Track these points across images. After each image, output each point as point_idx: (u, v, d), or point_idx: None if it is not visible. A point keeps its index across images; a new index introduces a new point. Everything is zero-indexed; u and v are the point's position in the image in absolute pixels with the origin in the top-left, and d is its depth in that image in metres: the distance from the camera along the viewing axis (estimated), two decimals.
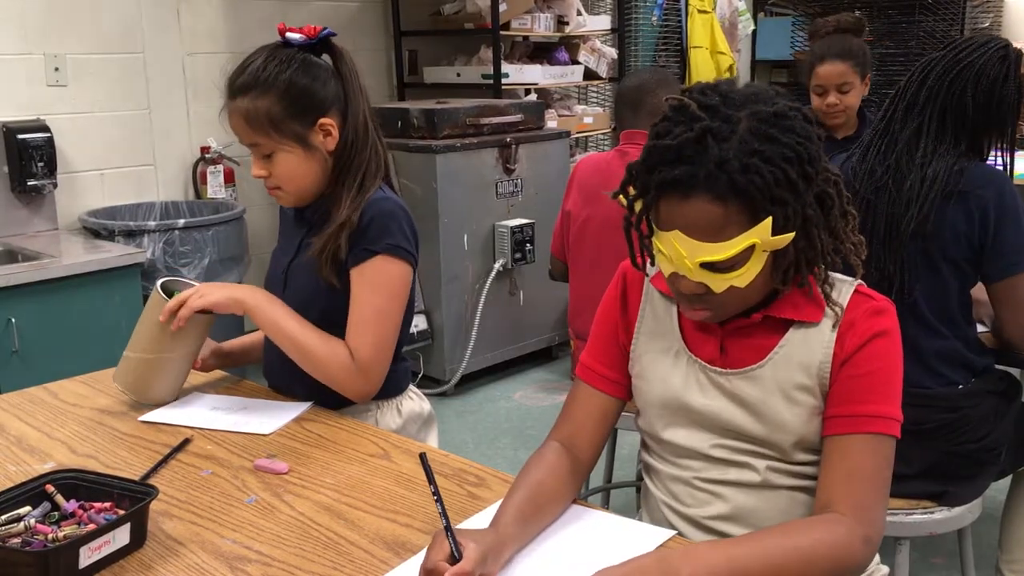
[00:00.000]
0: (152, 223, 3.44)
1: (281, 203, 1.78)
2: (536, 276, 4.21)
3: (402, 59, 4.76)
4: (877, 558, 1.42)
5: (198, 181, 3.99)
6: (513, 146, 4.16)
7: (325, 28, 1.70)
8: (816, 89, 3.03)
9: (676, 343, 1.34)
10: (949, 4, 5.75)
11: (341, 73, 1.71)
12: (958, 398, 1.97)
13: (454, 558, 1.08)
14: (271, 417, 1.68)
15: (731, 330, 1.30)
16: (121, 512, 1.26)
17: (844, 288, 1.28)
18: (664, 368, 1.35)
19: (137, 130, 3.86)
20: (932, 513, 1.95)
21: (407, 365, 1.86)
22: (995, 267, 1.95)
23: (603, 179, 2.53)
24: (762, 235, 1.16)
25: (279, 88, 1.64)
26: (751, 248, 1.17)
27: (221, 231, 3.52)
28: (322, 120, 1.67)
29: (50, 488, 1.28)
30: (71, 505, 1.27)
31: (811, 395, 1.26)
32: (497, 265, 4.14)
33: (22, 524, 1.22)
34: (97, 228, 3.47)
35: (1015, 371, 2.23)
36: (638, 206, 1.23)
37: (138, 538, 1.25)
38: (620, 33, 5.26)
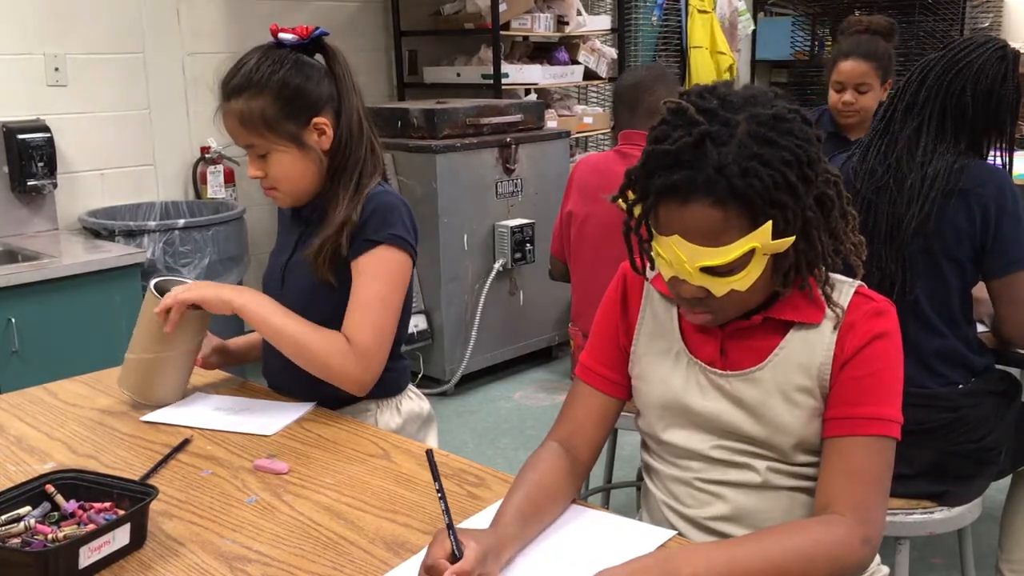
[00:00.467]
0: (152, 223, 3.43)
1: (278, 204, 1.78)
2: (536, 276, 4.21)
3: (402, 59, 4.75)
4: (877, 558, 1.42)
5: (198, 181, 3.99)
6: (513, 146, 4.16)
7: (317, 28, 1.70)
8: (835, 85, 3.02)
9: (676, 344, 1.34)
10: (949, 4, 5.74)
11: (334, 72, 1.71)
12: (958, 398, 1.97)
13: (455, 556, 1.08)
14: (274, 418, 1.68)
15: (731, 332, 1.30)
16: (121, 512, 1.26)
17: (845, 289, 1.28)
18: (664, 369, 1.35)
19: (137, 130, 3.85)
20: (932, 513, 1.95)
21: (406, 364, 1.85)
22: (995, 264, 1.95)
23: (602, 179, 2.53)
24: (762, 239, 1.15)
25: (272, 89, 1.64)
26: (751, 252, 1.16)
27: (221, 231, 3.51)
28: (316, 119, 1.67)
29: (50, 488, 1.28)
30: (71, 505, 1.27)
31: (811, 396, 1.26)
32: (497, 265, 4.14)
33: (22, 524, 1.22)
34: (97, 228, 3.47)
35: (1015, 371, 2.23)
36: (637, 211, 1.23)
37: (138, 538, 1.25)
38: (620, 33, 5.26)
